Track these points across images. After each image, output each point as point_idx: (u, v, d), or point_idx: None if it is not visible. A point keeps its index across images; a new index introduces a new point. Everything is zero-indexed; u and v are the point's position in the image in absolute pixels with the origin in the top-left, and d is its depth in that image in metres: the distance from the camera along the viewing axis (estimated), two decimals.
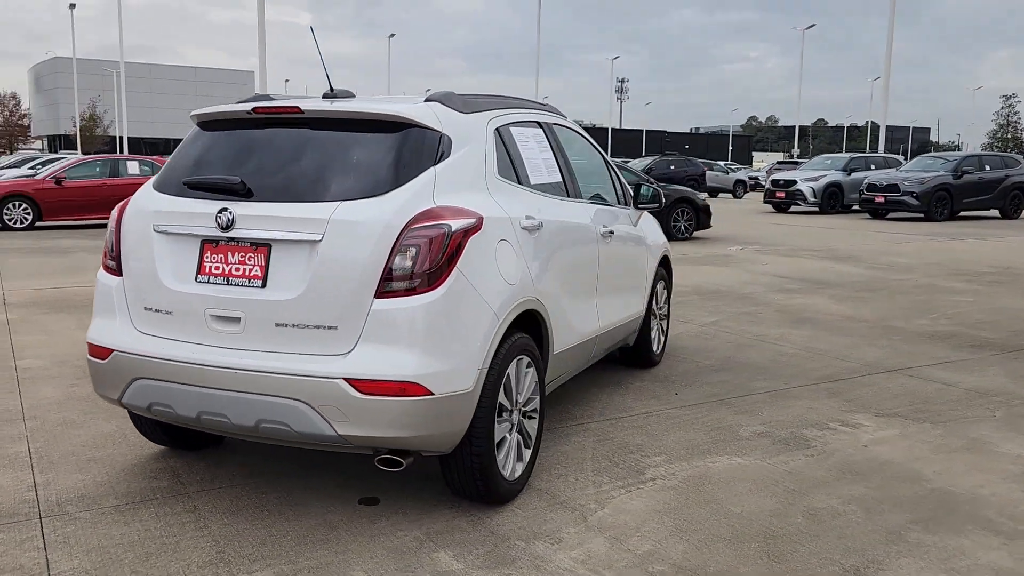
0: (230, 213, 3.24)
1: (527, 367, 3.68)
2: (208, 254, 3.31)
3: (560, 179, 4.42)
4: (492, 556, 3.12)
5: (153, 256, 3.42)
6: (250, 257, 3.23)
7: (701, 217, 16.17)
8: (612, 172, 5.35)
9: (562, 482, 3.84)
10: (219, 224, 3.25)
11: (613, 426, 4.64)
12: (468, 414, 3.22)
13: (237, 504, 3.56)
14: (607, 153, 7.53)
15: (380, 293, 3.08)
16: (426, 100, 3.63)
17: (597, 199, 4.94)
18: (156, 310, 3.39)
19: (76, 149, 50.09)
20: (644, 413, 4.88)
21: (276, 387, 3.08)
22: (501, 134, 3.92)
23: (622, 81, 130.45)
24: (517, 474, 3.63)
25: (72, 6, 46.17)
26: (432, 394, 3.08)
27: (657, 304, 5.93)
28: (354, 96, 3.76)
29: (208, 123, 3.68)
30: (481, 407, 3.29)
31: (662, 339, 6.13)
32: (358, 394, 3.02)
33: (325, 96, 3.72)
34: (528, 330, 3.76)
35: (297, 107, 3.44)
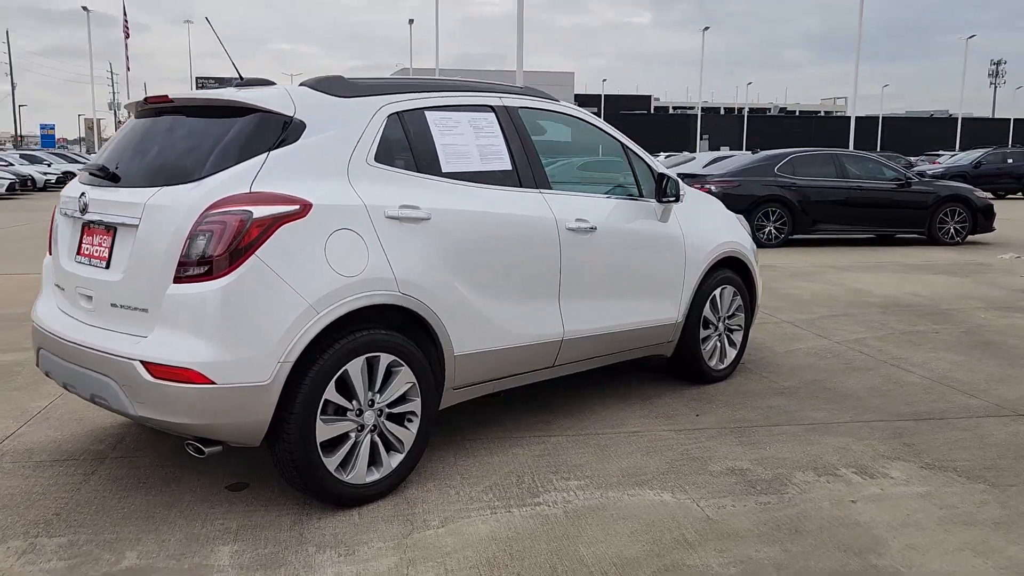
0: (85, 198, 3.43)
1: (394, 366, 3.44)
2: (84, 236, 3.54)
3: (510, 167, 4.06)
4: (269, 559, 2.99)
5: (58, 237, 3.74)
6: (102, 240, 3.40)
7: (978, 218, 13.82)
8: (632, 162, 4.78)
9: (437, 494, 3.55)
10: (79, 208, 3.46)
11: (574, 442, 4.18)
12: (266, 407, 3.10)
13: (130, 473, 3.77)
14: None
15: (176, 278, 3.08)
16: (300, 84, 3.55)
17: (592, 190, 4.46)
18: (58, 286, 3.70)
19: None
20: (629, 432, 4.33)
21: (97, 364, 3.22)
22: (403, 119, 3.69)
23: (997, 64, 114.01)
24: (371, 478, 3.42)
25: (411, 21, 51.38)
26: (213, 383, 3.01)
27: (718, 313, 5.20)
28: (271, 84, 3.76)
29: (136, 113, 3.92)
30: (291, 402, 3.14)
31: (729, 353, 5.36)
32: (150, 377, 3.05)
33: (236, 85, 3.78)
34: (408, 327, 3.53)
35: (166, 96, 3.54)
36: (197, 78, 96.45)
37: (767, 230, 13.47)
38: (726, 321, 5.30)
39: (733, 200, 13.33)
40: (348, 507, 3.39)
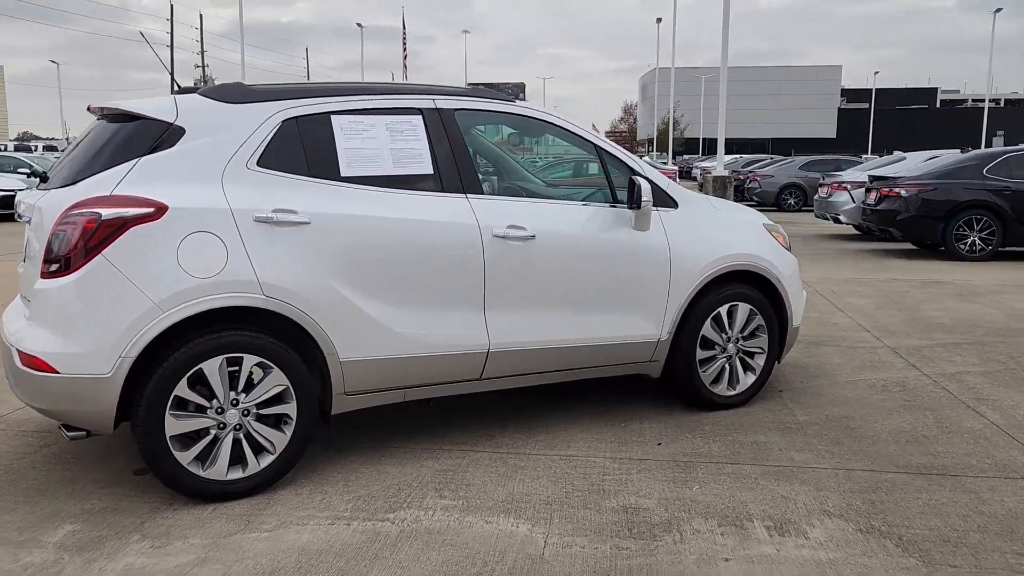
0: (22, 202, 3.82)
1: (263, 368, 3.50)
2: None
3: (431, 171, 3.94)
4: (90, 542, 3.16)
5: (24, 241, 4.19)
6: (32, 240, 3.76)
7: None
8: (606, 165, 4.43)
9: (301, 498, 3.55)
10: (20, 212, 3.86)
11: (491, 460, 3.98)
12: (108, 398, 3.27)
13: (75, 448, 4.14)
14: None
15: (42, 273, 3.35)
16: (197, 92, 3.70)
17: (549, 194, 4.21)
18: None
19: (656, 151, 55.06)
20: (562, 456, 4.04)
21: (5, 353, 3.58)
22: (300, 124, 3.72)
23: None
24: (233, 475, 3.50)
25: (659, 20, 50.70)
26: (57, 372, 3.24)
27: (726, 333, 4.68)
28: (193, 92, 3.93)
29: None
30: (140, 395, 3.30)
31: (744, 379, 4.80)
32: (19, 364, 3.35)
33: (172, 93, 4.02)
34: (289, 331, 3.57)
35: (90, 105, 3.84)
36: (468, 84, 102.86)
37: (969, 240, 11.82)
38: (741, 343, 4.75)
39: (929, 206, 11.91)
40: (209, 501, 3.48)
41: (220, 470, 3.48)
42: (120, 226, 3.28)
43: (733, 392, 4.79)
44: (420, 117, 3.99)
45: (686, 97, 64.39)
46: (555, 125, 4.39)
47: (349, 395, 3.78)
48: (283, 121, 3.69)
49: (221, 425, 3.47)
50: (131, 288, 3.28)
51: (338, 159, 3.76)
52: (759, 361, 4.86)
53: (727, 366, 4.76)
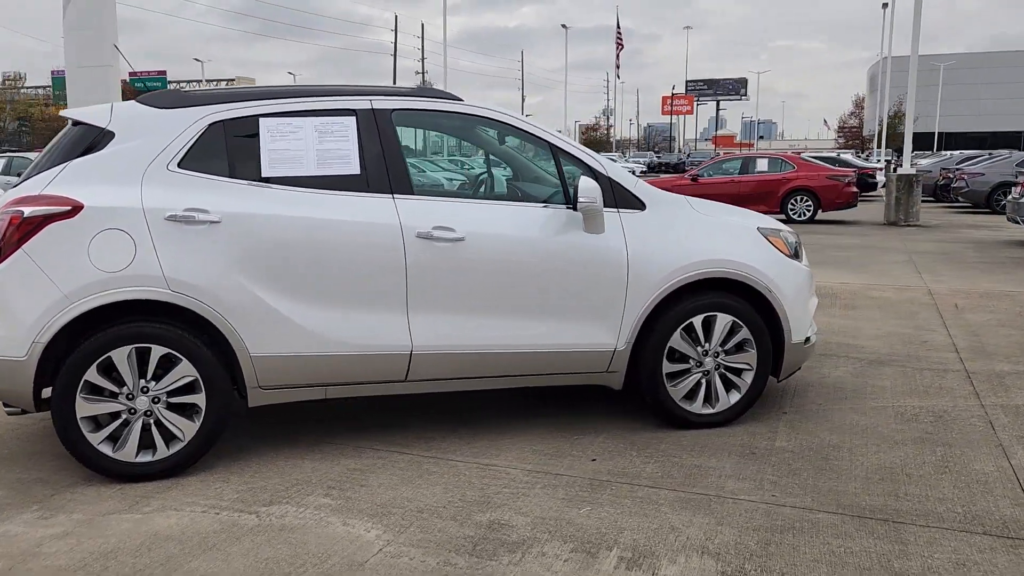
0: None
1: (172, 359, 3.70)
2: None
3: (358, 171, 3.97)
4: None
5: None
6: None
7: None
8: (560, 165, 4.22)
9: (195, 485, 3.70)
10: None
11: (406, 464, 3.94)
12: (25, 380, 3.59)
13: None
14: None
15: None
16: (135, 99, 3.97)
17: (492, 194, 4.11)
18: None
19: (880, 147, 51.01)
20: (482, 464, 3.93)
21: None
22: (227, 127, 3.88)
23: None
24: (142, 459, 3.72)
25: (884, 6, 47.02)
26: None
27: (701, 346, 4.33)
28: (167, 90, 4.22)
29: None
30: (56, 380, 3.60)
31: (725, 397, 4.41)
32: None
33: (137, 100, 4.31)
34: (200, 324, 3.75)
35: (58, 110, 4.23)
36: (687, 81, 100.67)
37: None
38: (723, 357, 4.37)
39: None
40: (121, 480, 3.73)
41: (129, 453, 3.71)
42: (39, 223, 3.60)
43: (712, 411, 4.41)
44: (354, 118, 4.03)
45: (921, 88, 59.07)
46: (506, 124, 4.27)
47: (264, 389, 3.89)
48: (209, 124, 3.87)
49: (131, 411, 3.71)
50: (44, 280, 3.58)
51: (260, 160, 3.89)
52: (746, 379, 4.43)
53: (704, 382, 4.39)
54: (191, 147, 3.83)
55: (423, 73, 64.23)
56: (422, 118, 4.25)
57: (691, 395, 4.39)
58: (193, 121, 3.86)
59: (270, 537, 3.20)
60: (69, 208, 3.62)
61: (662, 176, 21.11)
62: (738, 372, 4.43)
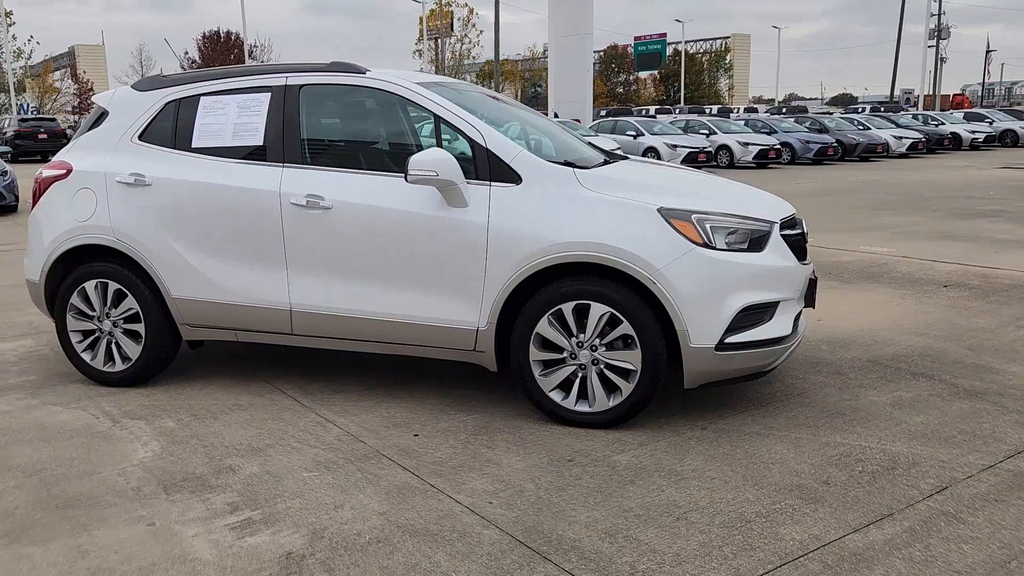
0: None
1: (121, 294, 4.65)
2: None
3: (261, 143, 4.43)
4: None
5: None
6: None
7: None
8: (441, 138, 4.12)
9: (109, 397, 4.63)
10: None
11: (274, 407, 4.37)
12: (40, 296, 4.87)
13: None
14: None
15: None
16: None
17: (375, 166, 4.28)
18: None
19: None
20: (317, 417, 4.20)
21: None
22: (180, 105, 4.65)
23: None
24: (108, 368, 4.78)
25: None
26: (27, 279, 4.97)
27: (574, 337, 3.94)
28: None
29: None
30: (56, 301, 4.83)
31: (604, 397, 3.94)
32: None
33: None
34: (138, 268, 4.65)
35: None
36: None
37: None
38: (602, 352, 3.93)
39: None
40: (98, 383, 4.83)
41: (99, 362, 4.77)
42: (51, 182, 4.80)
43: (588, 409, 3.99)
44: (269, 94, 4.49)
45: None
46: (395, 95, 4.31)
47: (190, 327, 4.65)
48: (166, 103, 4.69)
49: (100, 330, 4.76)
50: (48, 225, 4.78)
51: (193, 133, 4.59)
52: (632, 380, 3.90)
53: (579, 375, 3.98)
54: (149, 123, 4.68)
55: None
56: (329, 92, 4.48)
57: (565, 388, 4.02)
58: (155, 101, 4.70)
59: (91, 439, 3.97)
60: (64, 171, 4.76)
61: None
62: (625, 372, 3.91)
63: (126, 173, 4.62)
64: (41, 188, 4.86)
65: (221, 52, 58.92)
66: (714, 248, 3.85)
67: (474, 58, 72.64)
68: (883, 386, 4.52)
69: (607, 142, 20.16)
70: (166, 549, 2.95)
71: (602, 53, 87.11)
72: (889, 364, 4.90)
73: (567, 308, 3.92)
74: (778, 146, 24.73)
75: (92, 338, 4.77)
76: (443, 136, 4.22)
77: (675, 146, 22.98)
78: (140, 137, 4.69)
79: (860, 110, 50.90)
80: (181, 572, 2.80)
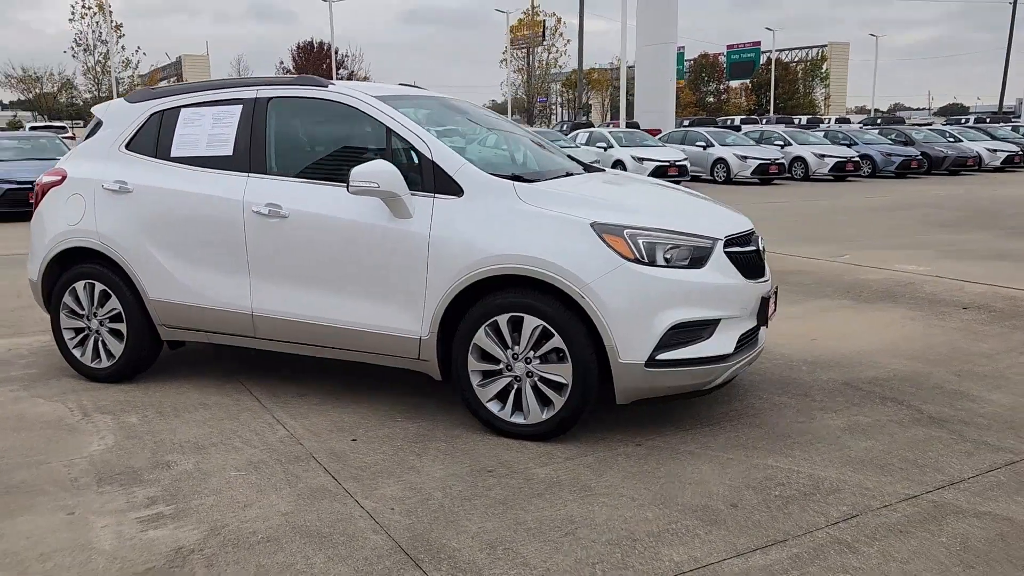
0: None
1: (106, 295, 4.92)
2: None
3: (231, 153, 4.62)
4: None
5: None
6: None
7: None
8: (393, 150, 4.22)
9: (95, 393, 4.89)
10: None
11: (235, 406, 4.55)
12: (39, 295, 5.19)
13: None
14: None
15: None
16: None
17: (332, 177, 4.42)
18: None
19: None
20: (269, 419, 4.34)
21: None
22: (163, 117, 4.89)
23: None
24: (96, 364, 5.06)
25: None
26: (30, 279, 5.30)
27: (509, 349, 3.98)
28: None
29: None
30: (51, 301, 5.14)
31: (538, 410, 3.95)
32: None
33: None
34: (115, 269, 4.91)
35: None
36: None
37: None
38: (536, 365, 3.95)
39: None
40: (87, 379, 5.11)
41: (87, 358, 5.04)
42: (50, 188, 5.12)
43: (522, 421, 4.01)
44: (240, 107, 4.68)
45: None
46: (349, 106, 4.42)
47: (167, 327, 4.87)
48: (151, 114, 4.93)
49: (89, 328, 5.03)
50: (45, 227, 5.09)
51: (172, 143, 4.82)
52: (564, 394, 3.91)
53: (515, 387, 4.01)
54: (136, 133, 4.94)
55: None
56: (295, 104, 4.62)
57: (502, 399, 4.05)
58: (142, 112, 4.96)
59: (57, 430, 4.21)
60: (60, 178, 5.06)
61: None
62: (558, 386, 3.92)
63: (111, 180, 4.88)
64: (40, 193, 5.17)
65: (314, 62, 60.74)
66: (645, 263, 3.82)
67: (560, 67, 72.78)
68: (844, 410, 4.38)
69: (588, 154, 19.67)
70: (72, 537, 3.12)
71: (692, 62, 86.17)
72: (863, 387, 4.74)
73: (502, 320, 3.95)
74: (856, 159, 23.93)
75: (82, 335, 5.05)
76: (394, 148, 4.31)
77: (744, 157, 22.45)
78: (127, 146, 4.95)
79: (964, 121, 48.94)
80: (76, 560, 2.97)
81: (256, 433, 4.16)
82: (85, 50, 50.08)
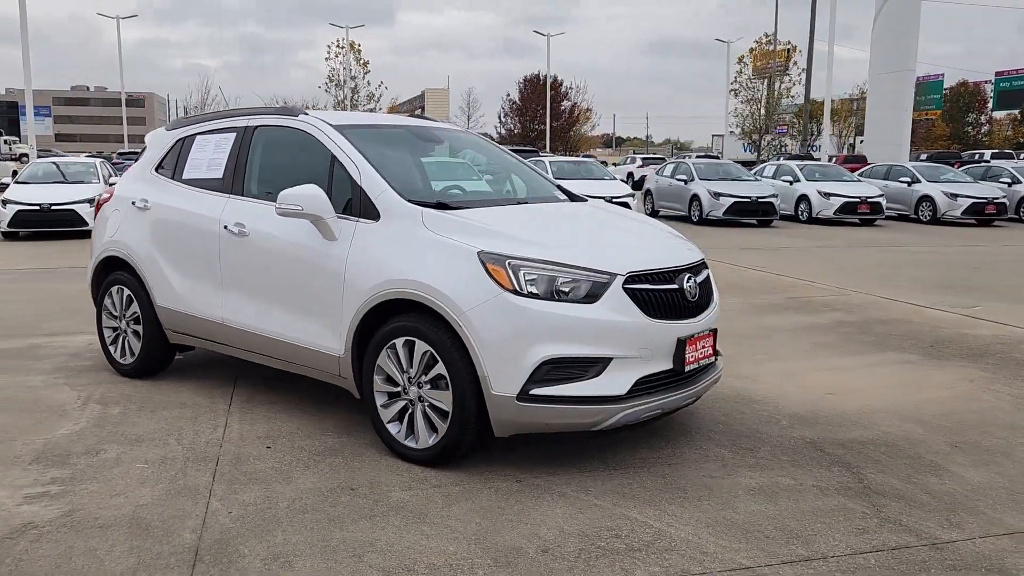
0: None
1: (130, 300, 5.56)
2: None
3: (221, 176, 5.07)
4: None
5: None
6: None
7: None
8: (334, 175, 4.46)
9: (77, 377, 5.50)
10: None
11: (209, 410, 4.95)
12: (92, 296, 5.95)
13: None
14: None
15: None
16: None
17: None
18: None
19: None
20: (216, 426, 4.69)
21: None
22: (184, 142, 5.46)
23: None
24: (123, 360, 5.71)
25: None
26: None
27: (404, 372, 4.06)
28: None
29: None
30: (100, 297, 5.87)
31: (425, 435, 3.98)
32: None
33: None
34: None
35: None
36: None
37: None
38: (426, 390, 4.00)
39: None
40: (120, 374, 5.78)
41: (118, 353, 5.71)
42: (102, 203, 5.87)
43: (414, 445, 4.06)
44: (234, 135, 5.13)
45: None
46: (309, 135, 4.69)
47: (174, 332, 5.40)
48: (176, 140, 5.53)
49: (119, 327, 5.69)
50: (95, 237, 5.84)
51: (185, 166, 5.37)
52: (448, 421, 3.92)
53: (409, 411, 4.08)
54: (164, 157, 5.55)
55: None
56: (273, 133, 4.95)
57: (401, 421, 4.13)
58: (171, 139, 5.57)
59: (51, 414, 4.82)
60: (110, 195, 5.79)
61: None
62: (444, 413, 3.94)
63: (139, 198, 5.51)
64: (98, 207, 5.94)
65: (539, 93, 62.77)
66: (524, 295, 3.74)
67: (792, 97, 69.78)
68: (775, 470, 3.99)
69: (765, 188, 18.60)
70: None
71: (948, 92, 79.27)
72: (826, 449, 4.27)
73: (399, 343, 4.03)
74: None
75: (116, 334, 5.72)
76: (335, 174, 4.52)
77: (955, 195, 20.38)
78: (156, 168, 5.58)
79: None
80: None
81: (197, 433, 4.52)
82: (336, 85, 55.19)
